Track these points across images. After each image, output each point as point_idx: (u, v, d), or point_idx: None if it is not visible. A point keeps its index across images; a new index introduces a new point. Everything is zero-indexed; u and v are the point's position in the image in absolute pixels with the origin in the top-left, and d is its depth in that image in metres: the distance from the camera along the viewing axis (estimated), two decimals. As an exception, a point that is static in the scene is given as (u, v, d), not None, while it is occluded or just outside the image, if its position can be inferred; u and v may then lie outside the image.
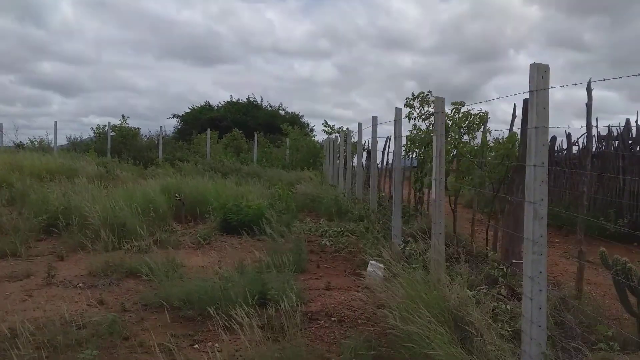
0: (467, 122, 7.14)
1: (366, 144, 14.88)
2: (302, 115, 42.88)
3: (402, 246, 6.66)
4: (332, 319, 5.00)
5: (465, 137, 7.63)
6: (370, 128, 11.71)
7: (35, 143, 24.23)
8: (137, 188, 10.94)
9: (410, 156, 11.00)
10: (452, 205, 8.11)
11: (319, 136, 36.86)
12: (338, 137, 19.54)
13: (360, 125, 11.39)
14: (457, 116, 7.49)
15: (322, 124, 19.45)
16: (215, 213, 9.68)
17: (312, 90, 77.19)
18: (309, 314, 5.08)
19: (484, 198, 9.22)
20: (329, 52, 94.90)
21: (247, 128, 32.56)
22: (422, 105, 7.89)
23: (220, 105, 41.94)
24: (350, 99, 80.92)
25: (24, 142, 23.88)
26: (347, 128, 13.42)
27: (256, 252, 7.76)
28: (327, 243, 8.76)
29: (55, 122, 24.56)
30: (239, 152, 26.95)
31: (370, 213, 9.18)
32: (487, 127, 7.35)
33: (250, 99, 42.24)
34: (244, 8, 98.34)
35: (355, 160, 13.09)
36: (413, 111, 8.12)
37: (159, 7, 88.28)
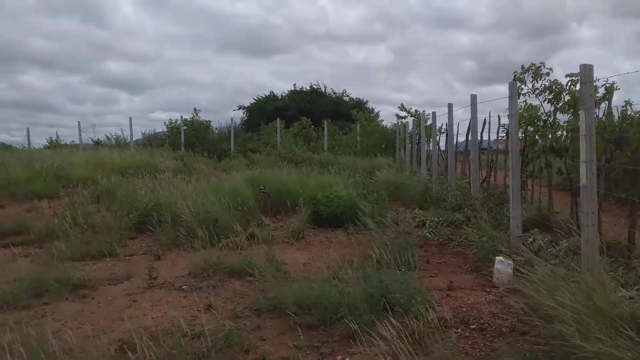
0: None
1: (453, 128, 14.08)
2: (367, 101, 42.12)
3: (529, 238, 5.94)
4: (471, 326, 4.39)
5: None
6: (447, 113, 10.98)
7: (112, 140, 24.77)
8: (222, 181, 10.68)
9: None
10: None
11: (386, 121, 36.04)
12: (410, 121, 18.76)
13: (450, 105, 10.61)
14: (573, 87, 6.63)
15: (399, 107, 18.70)
16: (304, 205, 9.22)
17: (368, 76, 76.14)
18: (442, 321, 4.49)
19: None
20: (383, 36, 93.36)
21: (312, 116, 32.11)
22: (535, 79, 7.06)
23: (284, 94, 41.80)
24: (407, 82, 79.36)
25: (101, 139, 24.47)
26: (433, 112, 12.63)
27: (357, 246, 7.31)
28: (429, 235, 8.14)
29: (130, 118, 24.97)
30: (308, 140, 26.57)
31: (474, 201, 8.46)
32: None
33: (314, 86, 41.84)
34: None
35: (445, 144, 12.30)
36: (523, 86, 7.31)
37: (213, 2, 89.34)
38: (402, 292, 4.73)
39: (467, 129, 10.44)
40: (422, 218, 9.07)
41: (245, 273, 6.00)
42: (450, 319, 4.52)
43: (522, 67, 7.28)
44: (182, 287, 5.71)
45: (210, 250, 7.06)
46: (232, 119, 27.27)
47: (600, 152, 6.11)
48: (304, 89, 41.53)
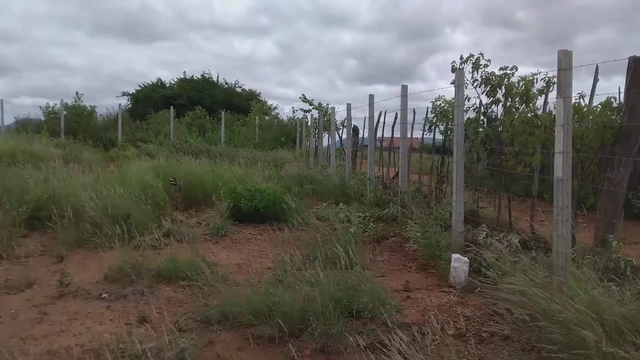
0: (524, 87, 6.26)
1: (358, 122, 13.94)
2: (260, 93, 41.40)
3: (479, 236, 5.76)
4: (449, 332, 4.04)
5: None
6: (362, 107, 10.96)
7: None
8: (128, 172, 9.58)
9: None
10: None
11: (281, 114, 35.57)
12: (315, 114, 18.50)
13: (372, 97, 10.37)
14: (514, 80, 6.60)
15: (301, 98, 18.25)
16: (222, 199, 8.48)
17: (253, 69, 75.36)
18: (415, 327, 4.11)
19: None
20: (269, 28, 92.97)
21: (204, 106, 30.78)
22: (475, 70, 6.95)
23: (173, 82, 39.82)
24: (292, 78, 79.75)
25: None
26: (348, 104, 12.36)
27: (289, 244, 6.78)
28: (357, 231, 7.79)
29: (2, 100, 22.16)
30: (204, 131, 25.37)
31: (402, 195, 8.25)
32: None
33: (206, 75, 40.31)
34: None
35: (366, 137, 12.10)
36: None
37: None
38: (369, 296, 4.29)
39: (365, 124, 10.31)
40: (347, 214, 8.72)
41: (176, 277, 5.24)
42: (423, 324, 4.16)
43: (461, 57, 7.15)
44: (102, 296, 4.81)
45: (124, 250, 6.12)
46: (119, 105, 25.33)
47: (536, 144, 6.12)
48: (195, 77, 39.88)
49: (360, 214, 8.66)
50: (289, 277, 5.00)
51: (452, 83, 7.28)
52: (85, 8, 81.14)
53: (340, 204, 9.38)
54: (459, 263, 5.16)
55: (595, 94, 9.09)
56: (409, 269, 5.96)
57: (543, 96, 6.92)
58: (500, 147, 6.88)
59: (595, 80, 9.44)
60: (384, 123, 13.44)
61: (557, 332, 3.33)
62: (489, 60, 6.99)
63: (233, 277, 5.34)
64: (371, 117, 10.27)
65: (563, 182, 4.22)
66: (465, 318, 4.28)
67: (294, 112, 25.32)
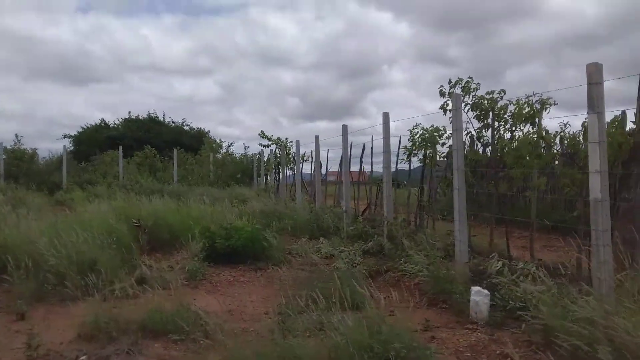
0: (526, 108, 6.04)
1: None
2: (209, 131, 40.58)
3: (492, 266, 5.36)
4: (497, 376, 3.56)
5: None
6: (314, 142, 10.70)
7: None
8: (85, 215, 8.73)
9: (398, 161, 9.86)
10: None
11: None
12: (275, 149, 18.04)
13: (345, 127, 10.02)
14: (502, 103, 6.38)
15: (260, 135, 17.75)
16: (193, 240, 7.78)
17: (196, 108, 74.56)
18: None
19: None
20: (209, 69, 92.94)
21: (152, 146, 29.68)
22: (466, 94, 6.70)
23: (118, 123, 38.50)
24: (235, 116, 79.51)
25: None
26: (316, 135, 11.99)
27: (278, 285, 6.21)
28: (345, 266, 7.27)
29: None
30: (154, 171, 24.33)
31: (390, 227, 7.81)
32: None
33: (152, 114, 39.23)
34: (117, 25, 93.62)
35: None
36: (449, 102, 6.92)
37: (22, 24, 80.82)
38: (398, 341, 3.76)
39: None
40: (330, 249, 8.21)
41: (164, 330, 4.55)
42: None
43: (450, 81, 6.90)
44: (81, 359, 4.06)
45: (94, 302, 5.34)
46: (64, 146, 24.01)
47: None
48: (141, 117, 38.72)
49: (343, 248, 8.18)
50: (294, 323, 4.45)
51: (441, 108, 7.03)
52: (19, 52, 78.23)
53: (321, 239, 8.85)
54: (480, 296, 4.72)
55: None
56: (418, 306, 5.46)
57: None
58: (497, 171, 6.59)
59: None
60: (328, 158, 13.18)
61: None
62: (478, 84, 6.79)
63: (229, 326, 4.68)
64: (345, 147, 9.90)
65: (602, 203, 3.89)
66: (508, 358, 3.81)
67: (245, 149, 24.78)
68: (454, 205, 5.99)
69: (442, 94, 6.98)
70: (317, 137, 11.79)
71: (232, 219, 9.05)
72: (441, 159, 9.54)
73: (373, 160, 12.83)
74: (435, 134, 8.63)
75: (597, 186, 3.91)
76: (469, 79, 6.80)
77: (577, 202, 5.57)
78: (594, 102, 3.93)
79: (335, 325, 3.81)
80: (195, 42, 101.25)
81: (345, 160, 10.00)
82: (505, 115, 6.23)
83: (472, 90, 6.68)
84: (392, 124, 8.14)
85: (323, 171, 16.03)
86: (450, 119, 6.99)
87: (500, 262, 5.24)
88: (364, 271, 6.87)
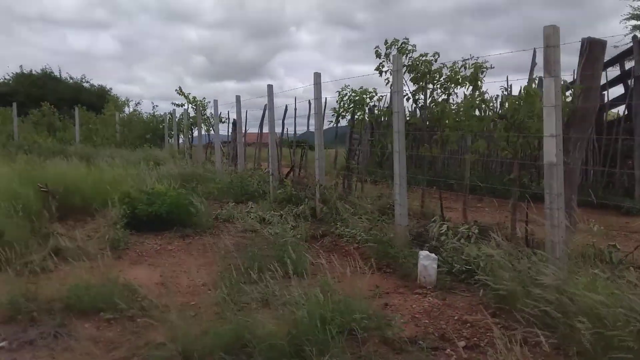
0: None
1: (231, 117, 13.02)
2: (111, 89, 38.23)
3: (434, 229, 5.31)
4: (459, 343, 3.48)
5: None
6: (236, 103, 10.33)
7: None
8: (-16, 179, 7.78)
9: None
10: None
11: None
12: (188, 108, 17.20)
13: (270, 87, 9.57)
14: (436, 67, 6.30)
15: (177, 91, 16.67)
16: (117, 205, 7.18)
17: (92, 64, 69.76)
18: (416, 342, 3.51)
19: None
20: (107, 23, 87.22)
21: (49, 103, 27.39)
22: (403, 56, 6.51)
23: (8, 78, 35.21)
24: (136, 74, 75.50)
25: None
26: (237, 95, 11.45)
27: (211, 254, 5.88)
28: (277, 231, 7.02)
29: None
30: (54, 130, 22.49)
31: (323, 190, 7.61)
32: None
33: (46, 70, 36.23)
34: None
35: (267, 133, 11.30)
36: (385, 63, 6.74)
37: None
38: (360, 311, 3.59)
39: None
40: (260, 213, 7.91)
41: (93, 308, 4.08)
42: (424, 337, 3.57)
43: (386, 42, 6.69)
44: (0, 345, 3.53)
45: (5, 279, 4.75)
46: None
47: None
48: (34, 73, 35.62)
49: (274, 212, 7.91)
50: (240, 295, 4.18)
51: (376, 69, 6.84)
52: None
53: (250, 204, 8.51)
54: (429, 261, 4.66)
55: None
56: (363, 271, 5.34)
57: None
58: (433, 133, 6.54)
59: (533, 64, 9.65)
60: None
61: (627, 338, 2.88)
62: (414, 46, 6.62)
63: (166, 301, 4.30)
64: (271, 109, 9.51)
65: (557, 167, 3.88)
66: (466, 324, 3.76)
67: (154, 107, 23.59)
68: (394, 168, 5.87)
69: (378, 55, 6.76)
70: (238, 97, 11.29)
71: (152, 183, 8.47)
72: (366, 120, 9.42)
73: (296, 121, 12.59)
74: (364, 95, 8.47)
75: (552, 150, 3.89)
76: (404, 40, 6.63)
77: (514, 165, 5.64)
78: (551, 65, 3.87)
79: (293, 298, 3.56)
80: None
81: (270, 122, 9.63)
82: (441, 79, 6.14)
83: (408, 52, 6.52)
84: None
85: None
86: (386, 80, 6.86)
87: (444, 226, 5.20)
88: (299, 236, 6.67)
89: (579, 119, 5.03)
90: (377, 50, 6.77)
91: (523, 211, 5.61)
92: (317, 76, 7.67)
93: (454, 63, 6.23)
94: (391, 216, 6.56)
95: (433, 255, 4.74)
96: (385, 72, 6.80)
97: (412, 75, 6.59)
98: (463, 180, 7.27)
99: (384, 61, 6.79)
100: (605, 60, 11.31)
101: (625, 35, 19.04)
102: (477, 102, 5.35)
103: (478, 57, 6.01)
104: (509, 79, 14.93)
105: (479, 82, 5.49)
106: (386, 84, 6.81)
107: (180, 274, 5.28)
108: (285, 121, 13.78)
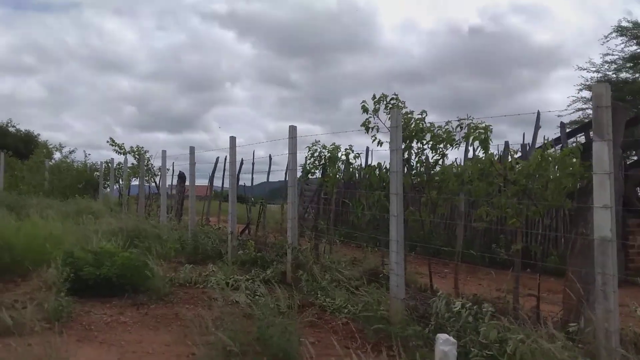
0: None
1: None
2: (38, 134, 36.02)
3: (451, 305, 4.68)
4: None
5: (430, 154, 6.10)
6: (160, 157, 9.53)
7: None
8: None
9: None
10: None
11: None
12: (130, 158, 16.12)
13: (233, 139, 8.86)
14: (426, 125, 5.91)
15: (108, 142, 15.61)
16: (61, 266, 6.12)
17: (16, 109, 66.50)
18: None
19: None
20: (34, 68, 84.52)
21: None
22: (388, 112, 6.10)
23: None
24: (62, 121, 72.83)
25: None
26: (191, 146, 10.65)
27: (177, 328, 5.01)
28: (247, 300, 6.18)
29: None
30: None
31: (297, 252, 6.86)
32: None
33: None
34: None
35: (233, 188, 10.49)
36: (373, 119, 6.26)
37: None
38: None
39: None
40: (223, 277, 7.03)
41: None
42: None
43: (374, 97, 6.24)
44: None
45: None
46: None
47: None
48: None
49: (238, 276, 7.07)
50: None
51: (363, 125, 6.38)
52: None
53: (210, 266, 7.60)
54: (449, 346, 3.98)
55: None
56: (363, 351, 4.60)
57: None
58: (420, 195, 6.05)
59: (537, 127, 9.49)
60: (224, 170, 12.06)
61: None
62: (404, 102, 6.22)
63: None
64: (233, 162, 8.80)
65: (611, 243, 3.42)
66: None
67: (86, 156, 22.26)
68: (390, 234, 5.27)
69: (364, 110, 6.29)
70: (192, 148, 10.52)
71: (97, 240, 7.45)
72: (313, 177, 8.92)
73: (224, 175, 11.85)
74: (336, 152, 7.96)
75: (606, 224, 3.44)
76: (394, 96, 6.21)
77: (517, 234, 5.20)
78: (603, 128, 3.47)
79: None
80: (18, 37, 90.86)
81: (232, 176, 8.87)
82: (437, 138, 5.73)
83: (398, 108, 6.07)
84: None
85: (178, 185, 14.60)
86: (373, 137, 6.38)
87: (459, 303, 4.60)
88: (273, 307, 5.84)
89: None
90: (364, 105, 6.30)
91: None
92: (293, 130, 7.08)
93: (447, 122, 5.85)
94: (377, 284, 5.94)
95: (452, 339, 4.07)
96: (372, 128, 6.32)
97: (404, 134, 6.12)
98: (447, 245, 6.79)
99: (370, 117, 6.32)
100: (569, 130, 11.62)
101: (568, 105, 19.97)
102: (489, 164, 4.89)
103: (473, 118, 5.68)
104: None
105: (489, 142, 5.07)
106: (373, 141, 6.34)
107: (144, 358, 4.35)
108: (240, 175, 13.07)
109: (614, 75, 18.56)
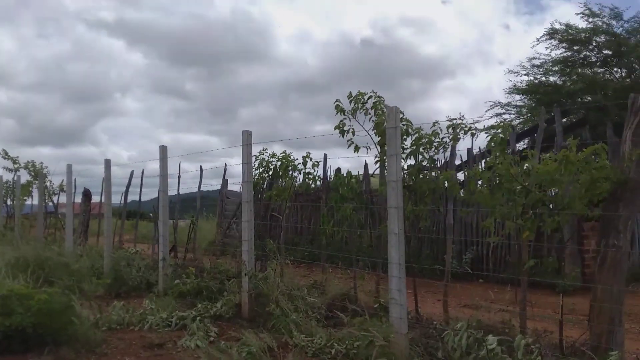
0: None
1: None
2: None
3: (460, 340, 3.88)
4: None
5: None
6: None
7: None
8: None
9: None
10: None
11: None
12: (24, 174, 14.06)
13: (164, 148, 7.57)
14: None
15: (1, 155, 13.50)
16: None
17: None
18: None
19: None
20: None
21: None
22: (359, 111, 5.28)
23: None
24: None
25: None
26: (107, 159, 9.15)
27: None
28: (199, 344, 5.03)
29: None
30: None
31: (258, 282, 5.76)
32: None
33: None
34: None
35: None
36: (347, 120, 5.38)
37: None
38: None
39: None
40: (163, 315, 5.80)
41: None
42: None
43: (350, 95, 5.38)
44: None
45: None
46: None
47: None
48: None
49: (181, 313, 5.88)
50: None
51: (337, 128, 5.50)
52: None
53: (146, 301, 6.30)
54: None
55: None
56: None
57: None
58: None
59: (542, 126, 8.94)
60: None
61: None
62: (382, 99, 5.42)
63: None
64: (164, 175, 7.54)
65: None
66: None
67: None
68: (389, 256, 4.39)
69: (340, 111, 5.40)
70: (108, 161, 9.05)
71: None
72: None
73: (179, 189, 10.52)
74: (288, 161, 7.00)
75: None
76: (372, 94, 5.36)
77: (522, 248, 4.56)
78: None
79: None
80: None
81: (163, 192, 7.58)
82: (435, 142, 4.99)
83: (380, 108, 5.27)
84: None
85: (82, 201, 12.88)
86: (349, 142, 5.51)
87: (495, 340, 3.80)
88: (244, 353, 4.74)
89: (630, 192, 4.10)
90: (338, 105, 5.43)
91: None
92: (248, 136, 5.99)
93: (435, 123, 5.15)
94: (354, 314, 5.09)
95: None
96: (348, 131, 5.45)
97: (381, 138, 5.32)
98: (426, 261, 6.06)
99: (345, 119, 5.44)
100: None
101: (486, 111, 20.19)
102: (507, 169, 4.16)
103: (463, 118, 5.01)
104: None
105: (507, 144, 4.36)
106: (348, 146, 5.46)
107: None
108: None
109: (544, 79, 18.89)
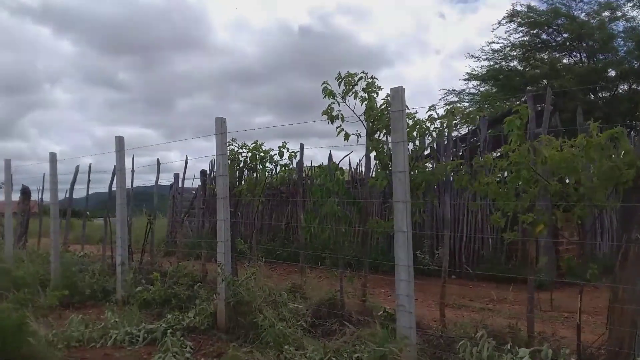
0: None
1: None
2: None
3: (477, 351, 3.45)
4: None
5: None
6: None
7: None
8: None
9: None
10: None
11: None
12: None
13: (122, 139, 6.82)
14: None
15: None
16: None
17: None
18: None
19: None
20: None
21: None
22: (349, 94, 4.77)
23: None
24: None
25: None
26: (52, 153, 8.25)
27: None
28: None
29: None
30: None
31: (238, 288, 5.15)
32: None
33: None
34: None
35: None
36: (336, 105, 4.87)
37: None
38: None
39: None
40: (127, 329, 5.12)
41: None
42: None
43: (339, 76, 4.85)
44: None
45: None
46: None
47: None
48: None
49: (146, 324, 5.23)
50: None
51: (325, 113, 4.98)
52: None
53: (108, 313, 5.57)
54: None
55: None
56: None
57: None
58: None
59: (548, 110, 8.49)
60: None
61: None
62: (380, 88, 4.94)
63: None
64: (121, 169, 6.80)
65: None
66: None
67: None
68: (396, 257, 3.92)
69: (328, 94, 4.87)
70: (53, 155, 8.14)
71: None
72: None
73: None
74: (259, 151, 6.43)
75: None
76: (362, 75, 4.86)
77: (528, 245, 4.22)
78: None
79: None
80: None
81: (121, 187, 6.82)
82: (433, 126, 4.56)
83: (373, 92, 4.78)
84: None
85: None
86: (339, 129, 4.99)
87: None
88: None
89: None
90: (325, 87, 4.88)
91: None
92: (222, 124, 5.37)
93: (431, 107, 4.73)
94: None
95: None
96: (337, 117, 4.93)
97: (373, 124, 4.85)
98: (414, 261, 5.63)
99: (334, 102, 4.92)
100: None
101: (440, 99, 20.00)
102: (525, 154, 3.77)
103: (460, 102, 4.59)
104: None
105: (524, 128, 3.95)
106: (337, 134, 4.94)
107: None
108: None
109: (504, 64, 18.86)
